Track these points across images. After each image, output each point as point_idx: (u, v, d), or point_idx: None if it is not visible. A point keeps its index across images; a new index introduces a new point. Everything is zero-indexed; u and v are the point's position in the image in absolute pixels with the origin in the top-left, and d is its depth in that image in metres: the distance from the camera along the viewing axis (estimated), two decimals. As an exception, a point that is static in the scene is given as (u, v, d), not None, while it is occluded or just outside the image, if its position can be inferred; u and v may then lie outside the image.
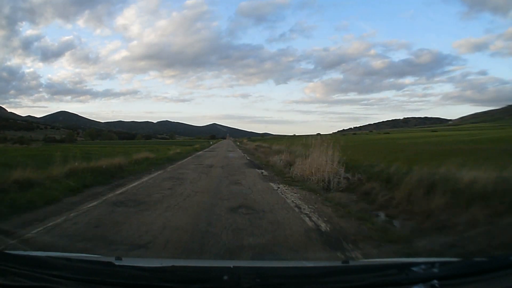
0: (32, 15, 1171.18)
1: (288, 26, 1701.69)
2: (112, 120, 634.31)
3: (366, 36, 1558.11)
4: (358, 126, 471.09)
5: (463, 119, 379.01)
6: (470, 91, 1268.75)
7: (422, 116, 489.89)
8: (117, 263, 1.84)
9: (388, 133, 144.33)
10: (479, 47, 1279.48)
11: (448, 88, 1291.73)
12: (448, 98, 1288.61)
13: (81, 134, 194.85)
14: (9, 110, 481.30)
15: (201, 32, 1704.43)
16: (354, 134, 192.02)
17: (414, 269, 1.65)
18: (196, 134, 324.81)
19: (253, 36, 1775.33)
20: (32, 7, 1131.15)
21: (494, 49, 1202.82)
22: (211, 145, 63.19)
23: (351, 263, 2.09)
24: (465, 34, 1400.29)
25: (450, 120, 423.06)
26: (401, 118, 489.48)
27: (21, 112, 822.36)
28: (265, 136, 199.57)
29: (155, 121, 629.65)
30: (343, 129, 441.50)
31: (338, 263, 2.07)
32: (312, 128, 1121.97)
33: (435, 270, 1.65)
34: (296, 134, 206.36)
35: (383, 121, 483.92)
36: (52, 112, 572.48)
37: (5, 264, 1.70)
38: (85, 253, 2.94)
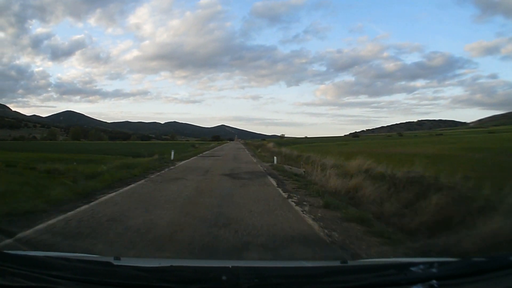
0: (42, 13, 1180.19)
1: (303, 27, 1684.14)
2: (119, 121, 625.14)
3: (379, 38, 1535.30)
4: (370, 128, 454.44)
5: (481, 122, 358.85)
6: (479, 94, 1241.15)
7: (436, 118, 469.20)
8: (115, 263, 1.83)
9: (441, 134, 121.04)
10: (491, 51, 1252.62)
11: (458, 91, 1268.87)
12: (457, 102, 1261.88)
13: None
14: (14, 109, 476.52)
15: (214, 32, 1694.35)
16: (400, 135, 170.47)
17: (413, 269, 1.65)
18: (204, 135, 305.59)
19: (267, 37, 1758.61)
20: (43, 4, 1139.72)
21: (505, 52, 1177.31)
22: (184, 158, 23.86)
23: (350, 263, 2.08)
24: (477, 37, 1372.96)
25: (466, 122, 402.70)
26: (415, 120, 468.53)
27: (29, 111, 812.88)
28: (283, 138, 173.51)
29: (162, 122, 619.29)
30: (355, 132, 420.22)
31: (336, 263, 2.06)
32: (322, 130, 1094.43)
33: (434, 270, 1.64)
34: (308, 136, 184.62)
35: (396, 124, 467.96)
36: (57, 112, 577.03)
37: (3, 264, 1.67)
38: (84, 253, 2.78)
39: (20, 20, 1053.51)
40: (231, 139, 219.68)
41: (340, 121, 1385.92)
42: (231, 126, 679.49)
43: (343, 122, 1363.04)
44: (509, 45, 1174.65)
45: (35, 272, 1.61)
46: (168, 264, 1.78)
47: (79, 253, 2.66)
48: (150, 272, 1.69)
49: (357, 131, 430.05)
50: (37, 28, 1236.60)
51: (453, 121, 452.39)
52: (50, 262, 1.81)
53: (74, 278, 1.60)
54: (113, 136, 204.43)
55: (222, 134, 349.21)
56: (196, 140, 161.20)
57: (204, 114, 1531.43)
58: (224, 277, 1.55)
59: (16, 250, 2.81)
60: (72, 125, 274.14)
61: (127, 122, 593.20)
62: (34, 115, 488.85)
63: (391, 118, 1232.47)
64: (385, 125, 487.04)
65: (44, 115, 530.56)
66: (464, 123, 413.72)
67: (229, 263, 1.97)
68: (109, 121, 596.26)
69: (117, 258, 2.04)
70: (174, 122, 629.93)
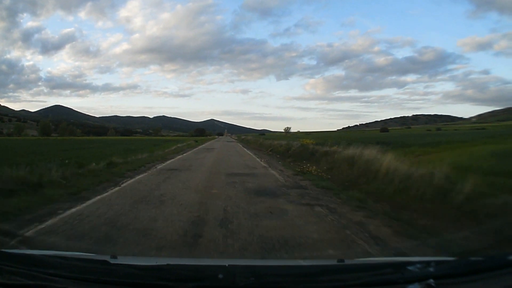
0: (33, 6, 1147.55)
1: (294, 20, 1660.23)
2: (107, 115, 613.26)
3: (371, 32, 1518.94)
4: (364, 123, 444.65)
5: (481, 117, 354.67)
6: (471, 90, 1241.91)
7: (432, 113, 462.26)
8: (112, 261, 1.85)
9: (483, 128, 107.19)
10: (483, 46, 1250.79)
11: (449, 86, 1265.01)
12: (449, 97, 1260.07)
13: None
14: (3, 104, 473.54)
15: (205, 25, 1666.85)
16: (439, 129, 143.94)
17: (410, 268, 1.65)
18: (192, 129, 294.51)
19: (257, 30, 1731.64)
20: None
21: (498, 48, 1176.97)
22: None
23: (347, 262, 2.08)
24: (470, 33, 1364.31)
25: (462, 118, 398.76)
26: (410, 115, 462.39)
27: (19, 106, 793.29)
28: (289, 132, 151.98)
29: (151, 116, 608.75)
30: (349, 126, 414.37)
31: (333, 262, 2.07)
32: (311, 125, 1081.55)
33: (431, 269, 1.65)
34: (300, 131, 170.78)
35: (390, 118, 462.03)
36: (46, 106, 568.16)
37: (1, 262, 1.68)
38: (81, 251, 2.70)
39: (11, 14, 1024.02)
40: (221, 134, 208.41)
41: (329, 116, 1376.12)
42: (220, 120, 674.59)
43: (333, 116, 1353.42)
44: (503, 41, 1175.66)
45: (32, 271, 1.62)
46: (165, 263, 1.78)
47: (76, 252, 2.62)
48: (147, 271, 1.69)
49: (350, 125, 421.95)
50: (28, 21, 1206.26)
51: (449, 116, 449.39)
52: (47, 261, 1.81)
53: (71, 276, 1.61)
54: (90, 130, 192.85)
55: (211, 129, 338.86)
56: (174, 136, 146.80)
57: (193, 108, 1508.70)
58: (220, 276, 1.56)
59: (13, 249, 3.02)
60: (60, 120, 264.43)
61: (116, 116, 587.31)
62: (23, 110, 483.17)
63: (381, 113, 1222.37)
64: (378, 120, 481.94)
65: (33, 110, 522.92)
66: (461, 118, 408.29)
67: (226, 262, 1.99)
68: (97, 116, 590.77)
69: (114, 256, 2.02)
70: (163, 116, 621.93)
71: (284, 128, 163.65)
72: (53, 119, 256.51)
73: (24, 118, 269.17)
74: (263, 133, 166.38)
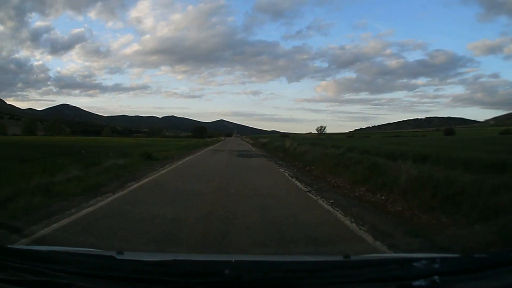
0: (42, 5, 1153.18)
1: (306, 22, 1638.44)
2: (116, 114, 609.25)
3: (383, 35, 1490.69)
4: (376, 125, 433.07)
5: (498, 119, 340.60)
6: (480, 93, 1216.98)
7: (445, 116, 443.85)
8: (118, 257, 1.84)
9: None
10: (494, 50, 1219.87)
11: (459, 90, 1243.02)
12: (458, 100, 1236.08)
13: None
14: (9, 102, 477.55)
15: (216, 27, 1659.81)
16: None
17: (415, 264, 1.66)
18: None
19: (269, 32, 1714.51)
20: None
21: (508, 52, 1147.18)
22: None
23: (352, 258, 2.07)
24: (480, 36, 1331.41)
25: (475, 120, 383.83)
26: (423, 117, 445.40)
27: (27, 105, 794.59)
28: (322, 134, 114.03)
29: (160, 116, 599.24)
30: (361, 128, 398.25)
31: (339, 258, 2.05)
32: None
33: (436, 265, 1.65)
34: (312, 132, 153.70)
35: (403, 120, 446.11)
36: (53, 105, 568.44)
37: (6, 258, 1.68)
38: (87, 247, 2.76)
39: (20, 13, 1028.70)
40: (229, 135, 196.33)
41: (340, 118, 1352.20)
42: (230, 121, 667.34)
43: (343, 118, 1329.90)
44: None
45: (38, 266, 1.62)
46: (171, 258, 1.77)
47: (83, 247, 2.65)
48: (153, 266, 1.68)
49: (362, 127, 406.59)
50: (36, 21, 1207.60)
51: (463, 119, 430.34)
52: (52, 256, 1.82)
53: (77, 272, 1.61)
54: (85, 129, 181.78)
55: (220, 129, 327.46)
56: (163, 137, 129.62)
57: (203, 109, 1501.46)
58: (227, 271, 1.55)
59: (19, 245, 2.93)
60: (68, 119, 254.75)
61: (124, 116, 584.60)
62: (30, 109, 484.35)
63: (390, 115, 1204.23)
64: (391, 122, 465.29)
65: (40, 109, 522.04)
66: (474, 121, 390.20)
67: (232, 257, 1.99)
68: (105, 115, 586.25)
69: (119, 252, 2.01)
70: (172, 116, 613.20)
71: (316, 128, 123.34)
72: (60, 118, 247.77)
73: (18, 116, 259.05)
74: (286, 134, 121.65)
